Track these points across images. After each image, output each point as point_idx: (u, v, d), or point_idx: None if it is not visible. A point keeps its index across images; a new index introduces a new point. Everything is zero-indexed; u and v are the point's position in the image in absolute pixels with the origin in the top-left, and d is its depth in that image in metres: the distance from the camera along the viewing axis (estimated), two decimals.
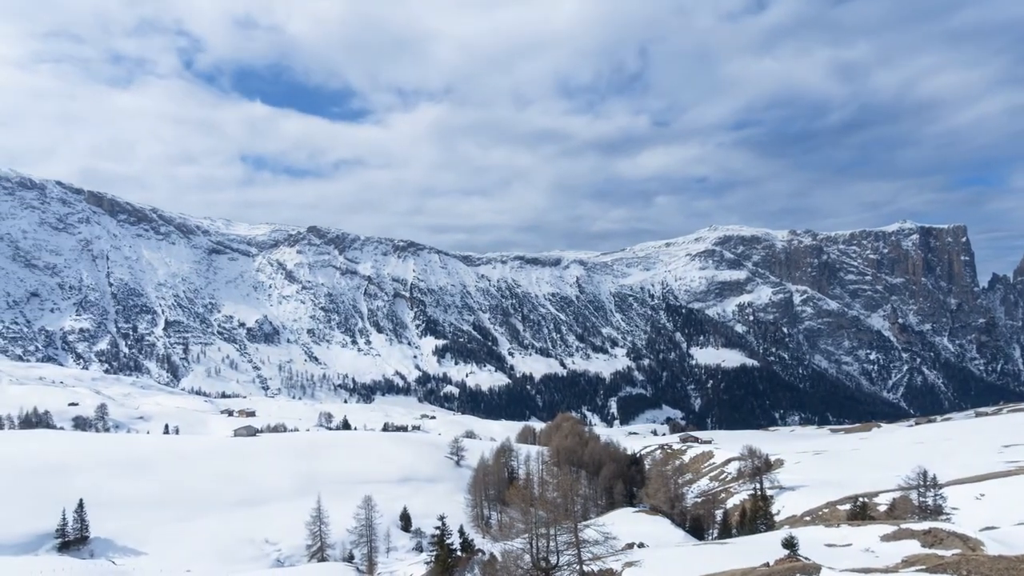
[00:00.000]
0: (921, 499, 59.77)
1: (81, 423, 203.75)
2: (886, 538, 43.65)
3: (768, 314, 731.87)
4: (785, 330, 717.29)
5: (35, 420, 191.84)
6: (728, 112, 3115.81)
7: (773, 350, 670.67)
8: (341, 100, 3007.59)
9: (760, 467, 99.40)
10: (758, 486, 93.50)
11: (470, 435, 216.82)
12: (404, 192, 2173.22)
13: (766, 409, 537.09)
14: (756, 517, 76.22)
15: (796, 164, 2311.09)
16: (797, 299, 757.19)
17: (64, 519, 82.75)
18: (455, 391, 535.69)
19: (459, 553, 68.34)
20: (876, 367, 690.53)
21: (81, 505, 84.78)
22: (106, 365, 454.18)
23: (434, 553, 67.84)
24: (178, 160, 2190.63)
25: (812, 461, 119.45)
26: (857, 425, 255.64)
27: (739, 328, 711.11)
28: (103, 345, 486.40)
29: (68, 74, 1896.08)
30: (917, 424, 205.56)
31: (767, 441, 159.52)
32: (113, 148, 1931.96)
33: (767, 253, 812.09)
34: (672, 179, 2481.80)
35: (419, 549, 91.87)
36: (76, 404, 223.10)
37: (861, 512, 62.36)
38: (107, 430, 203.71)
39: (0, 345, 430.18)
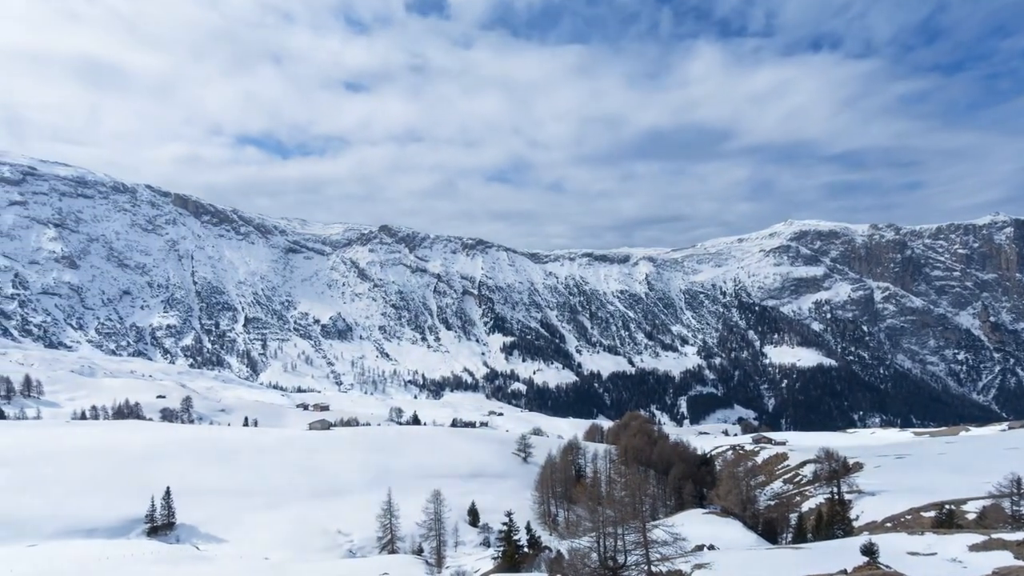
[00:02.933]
0: (1015, 508, 56.54)
1: (168, 415, 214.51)
2: (975, 548, 41.46)
3: (847, 312, 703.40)
4: (865, 328, 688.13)
5: (127, 411, 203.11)
6: None
7: (852, 349, 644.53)
8: None
9: (837, 470, 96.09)
10: (835, 490, 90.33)
11: (537, 432, 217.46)
12: None
13: (844, 410, 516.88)
14: (833, 522, 73.67)
15: None
16: (878, 296, 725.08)
17: (153, 505, 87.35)
18: (522, 388, 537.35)
19: (526, 549, 68.56)
20: (965, 367, 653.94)
21: (168, 493, 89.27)
22: (191, 360, 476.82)
23: (501, 549, 68.30)
24: None
25: (894, 465, 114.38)
26: (943, 428, 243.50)
27: (816, 326, 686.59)
28: (188, 341, 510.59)
29: None
30: (1010, 428, 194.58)
31: (845, 443, 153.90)
32: None
33: (846, 248, 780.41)
34: None
35: (486, 544, 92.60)
36: (163, 397, 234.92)
37: (947, 520, 59.48)
38: (191, 422, 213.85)
39: (96, 340, 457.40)
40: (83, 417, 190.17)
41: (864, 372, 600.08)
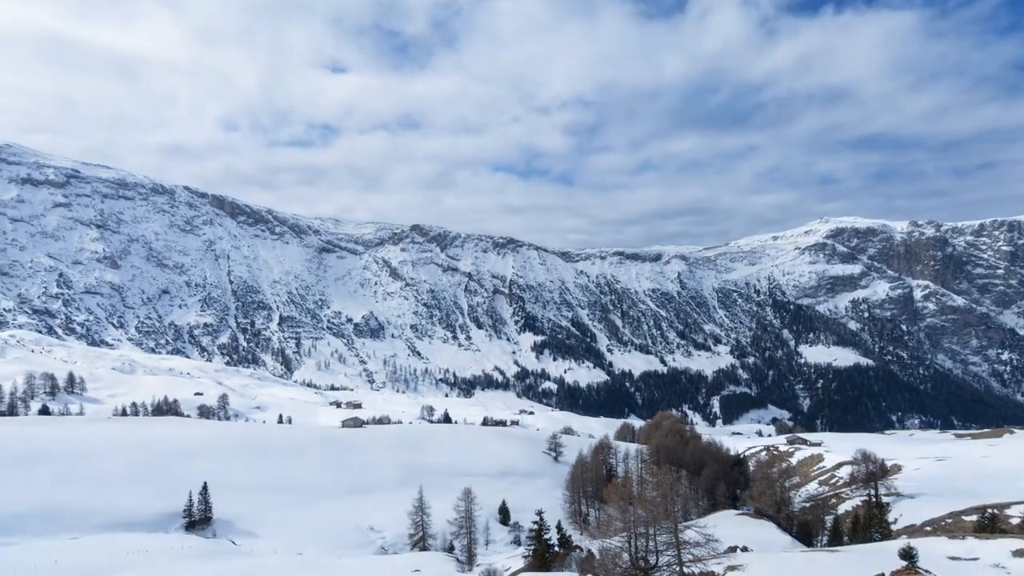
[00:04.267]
0: None
1: (205, 411, 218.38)
2: (1018, 553, 40.33)
3: (885, 310, 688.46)
4: (904, 327, 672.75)
5: (165, 408, 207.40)
6: None
7: (890, 348, 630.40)
8: None
9: (875, 472, 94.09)
10: (873, 492, 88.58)
11: (568, 431, 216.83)
12: None
13: (882, 411, 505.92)
14: (870, 525, 72.27)
15: None
16: (918, 295, 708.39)
17: (190, 500, 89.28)
18: (553, 387, 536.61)
19: (557, 548, 68.57)
20: (1009, 368, 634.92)
21: (205, 488, 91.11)
22: (227, 358, 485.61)
23: (532, 547, 68.46)
24: None
25: (934, 468, 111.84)
26: (986, 430, 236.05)
27: (852, 325, 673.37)
28: (224, 339, 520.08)
29: None
30: None
31: (883, 445, 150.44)
32: None
33: (884, 246, 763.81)
34: None
35: (517, 543, 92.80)
36: (201, 394, 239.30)
37: (990, 524, 57.91)
38: (228, 418, 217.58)
39: (136, 338, 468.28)
40: (124, 413, 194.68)
41: (903, 372, 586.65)
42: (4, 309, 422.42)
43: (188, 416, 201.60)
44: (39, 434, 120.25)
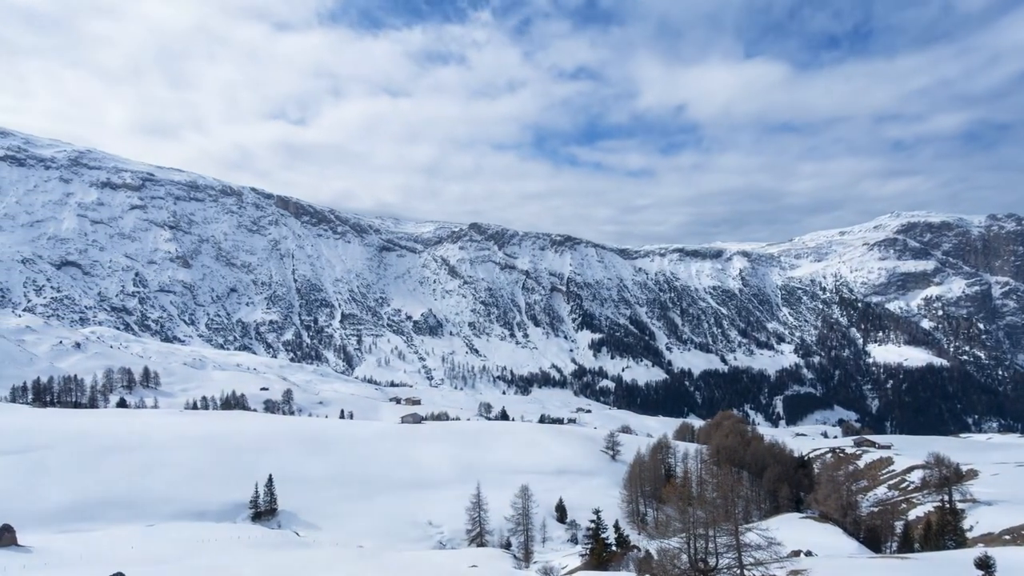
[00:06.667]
0: None
1: (271, 406, 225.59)
2: None
3: (960, 308, 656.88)
4: (981, 326, 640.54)
5: (233, 403, 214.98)
6: None
7: (966, 348, 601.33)
8: None
9: (949, 477, 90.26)
10: (946, 498, 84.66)
11: (626, 430, 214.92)
12: None
13: (957, 414, 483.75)
14: (944, 532, 69.14)
15: None
16: (997, 292, 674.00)
17: (256, 492, 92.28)
18: (611, 385, 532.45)
19: (614, 548, 68.01)
20: None
21: (270, 480, 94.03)
22: (291, 354, 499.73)
23: (589, 546, 68.07)
24: None
25: (1013, 474, 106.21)
26: None
27: (925, 324, 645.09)
28: (289, 336, 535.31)
29: None
30: None
31: (957, 449, 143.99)
32: None
33: (960, 241, 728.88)
34: None
35: (574, 541, 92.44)
36: (266, 389, 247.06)
37: None
38: (292, 413, 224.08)
39: (206, 335, 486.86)
40: (194, 407, 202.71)
41: (980, 373, 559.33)
42: (85, 307, 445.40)
43: (254, 410, 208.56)
44: (117, 426, 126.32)
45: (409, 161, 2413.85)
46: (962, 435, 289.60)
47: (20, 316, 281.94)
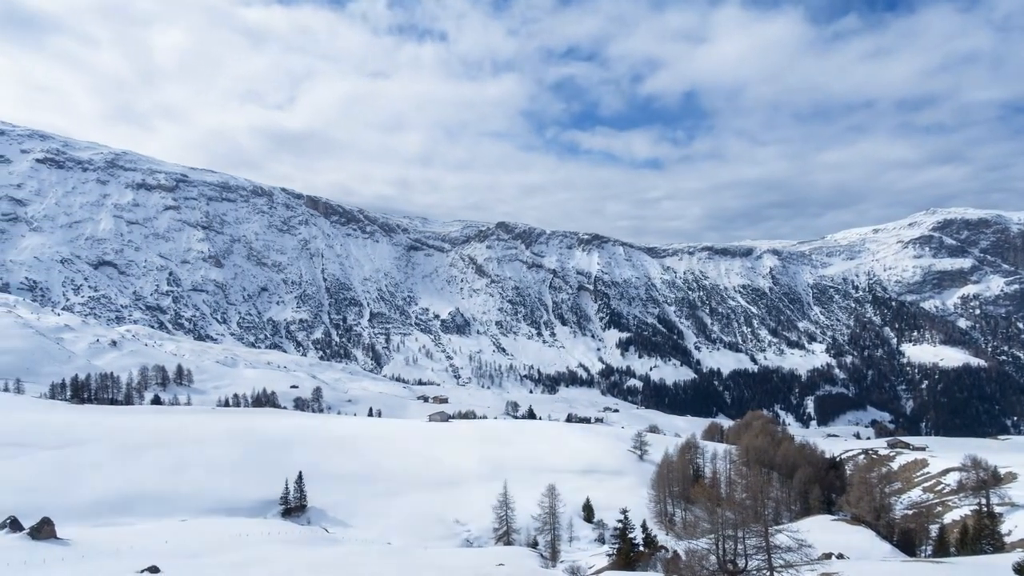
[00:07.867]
0: None
1: (300, 404, 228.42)
2: None
3: (999, 307, 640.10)
4: (1021, 326, 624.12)
5: (264, 400, 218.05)
6: None
7: (1006, 348, 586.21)
8: None
9: (987, 480, 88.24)
10: (983, 501, 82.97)
11: (653, 430, 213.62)
12: None
13: (995, 415, 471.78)
14: (981, 536, 67.66)
15: None
16: None
17: (287, 488, 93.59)
18: (638, 385, 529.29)
19: (641, 548, 67.69)
20: None
21: (300, 477, 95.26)
22: (320, 352, 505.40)
23: (616, 546, 67.83)
24: None
25: None
26: None
27: (962, 323, 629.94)
28: (318, 334, 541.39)
29: None
30: None
31: (996, 452, 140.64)
32: None
33: (998, 238, 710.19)
34: None
35: (601, 541, 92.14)
36: (296, 387, 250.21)
37: None
38: (321, 411, 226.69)
39: (237, 333, 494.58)
40: (227, 404, 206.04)
41: (1019, 374, 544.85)
42: (121, 305, 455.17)
43: (285, 408, 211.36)
44: (152, 423, 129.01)
45: (399, 150, 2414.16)
46: (1000, 437, 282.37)
47: (59, 315, 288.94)
